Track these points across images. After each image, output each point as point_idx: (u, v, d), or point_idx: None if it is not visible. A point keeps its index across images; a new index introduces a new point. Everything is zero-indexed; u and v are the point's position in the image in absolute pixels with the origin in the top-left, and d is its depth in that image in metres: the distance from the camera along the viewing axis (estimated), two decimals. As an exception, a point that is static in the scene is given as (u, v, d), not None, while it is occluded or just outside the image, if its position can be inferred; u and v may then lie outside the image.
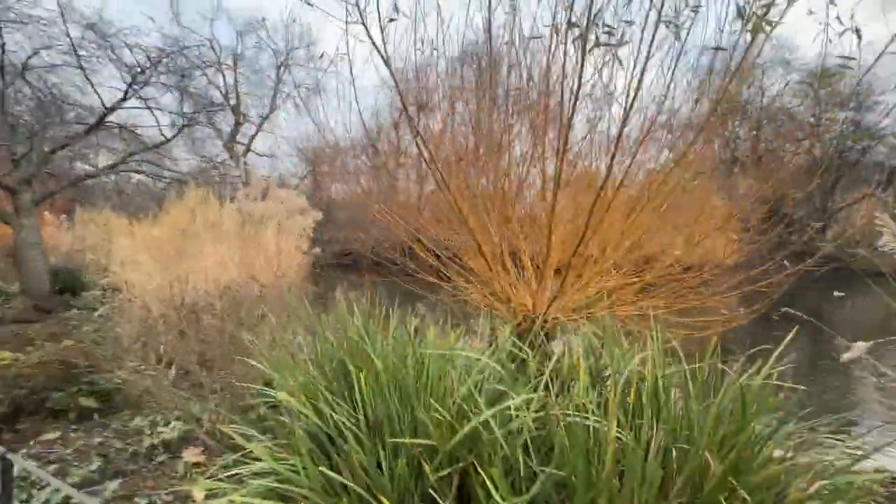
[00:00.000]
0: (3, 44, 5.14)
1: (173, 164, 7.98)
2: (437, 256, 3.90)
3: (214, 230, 4.46)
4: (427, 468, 1.42)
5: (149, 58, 5.65)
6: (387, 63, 2.80)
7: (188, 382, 3.42)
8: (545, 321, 2.98)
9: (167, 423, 2.94)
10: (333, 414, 1.63)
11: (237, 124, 23.05)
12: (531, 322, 3.06)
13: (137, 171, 6.79)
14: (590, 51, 2.32)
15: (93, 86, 5.82)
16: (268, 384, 2.49)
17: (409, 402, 1.66)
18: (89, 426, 2.90)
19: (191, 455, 2.61)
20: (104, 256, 9.07)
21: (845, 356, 1.56)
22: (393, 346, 1.95)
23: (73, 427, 2.86)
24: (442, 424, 1.50)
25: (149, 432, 2.79)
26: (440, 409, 1.50)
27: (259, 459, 1.59)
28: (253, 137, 23.73)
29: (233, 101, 22.26)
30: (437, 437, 1.49)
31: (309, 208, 5.18)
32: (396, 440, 1.53)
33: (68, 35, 5.38)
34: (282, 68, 22.83)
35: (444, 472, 1.44)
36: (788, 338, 1.62)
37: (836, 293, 2.26)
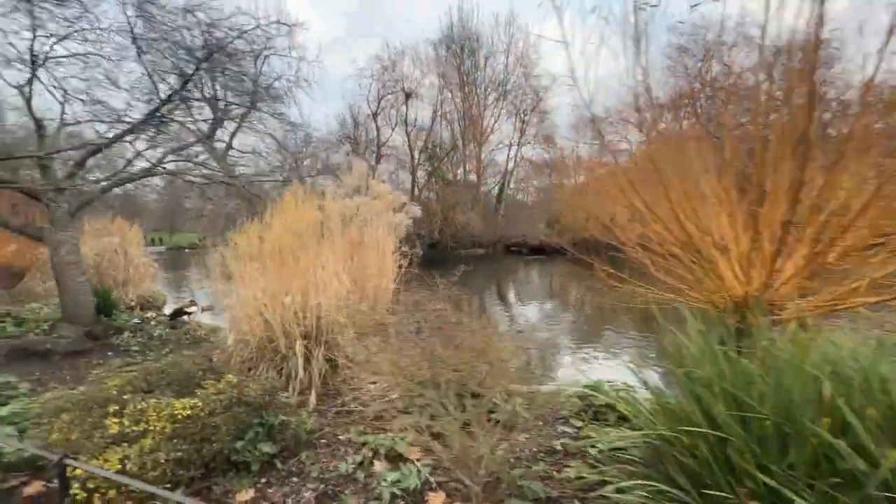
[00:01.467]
0: (37, 27, 4.32)
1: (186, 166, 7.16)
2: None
3: (324, 233, 3.93)
4: None
5: (207, 45, 4.93)
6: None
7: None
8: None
9: (369, 463, 2.49)
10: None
11: (216, 120, 21.72)
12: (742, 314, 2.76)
13: (172, 174, 6.03)
14: None
15: (150, 76, 5.05)
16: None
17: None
18: (280, 477, 2.40)
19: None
20: (122, 271, 8.20)
21: None
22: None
23: (263, 480, 2.36)
24: None
25: (366, 477, 2.34)
26: None
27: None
28: (234, 133, 22.42)
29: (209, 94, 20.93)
30: None
31: (408, 203, 4.70)
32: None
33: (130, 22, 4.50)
34: (260, 59, 21.59)
35: None
36: None
37: None
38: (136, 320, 6.60)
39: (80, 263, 5.15)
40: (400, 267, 4.53)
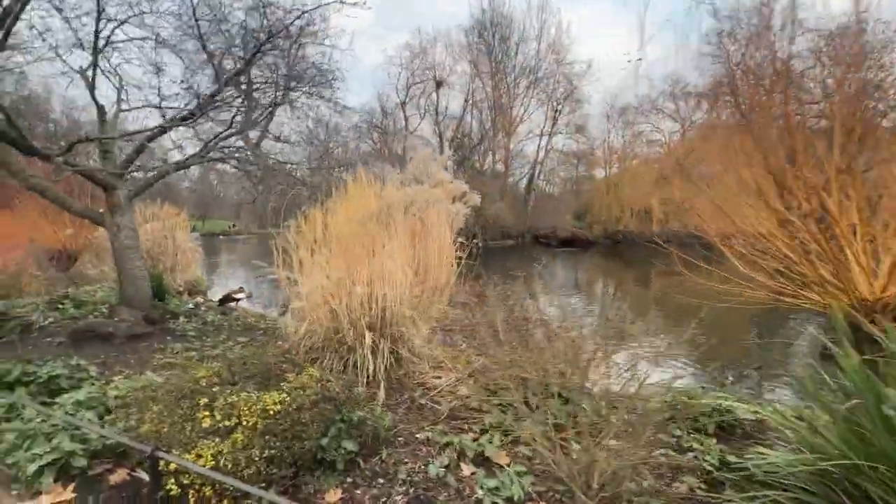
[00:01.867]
0: (102, 9, 4.30)
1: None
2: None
3: (387, 221, 3.78)
4: None
5: (267, 26, 4.84)
6: None
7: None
8: None
9: (455, 466, 2.34)
10: None
11: (249, 108, 22.01)
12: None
13: (224, 160, 6.01)
14: None
15: (211, 57, 5.00)
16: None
17: None
18: (365, 477, 2.28)
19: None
20: (170, 256, 8.35)
21: None
22: None
23: (349, 479, 2.25)
24: None
25: (458, 482, 2.19)
26: None
27: None
28: (268, 122, 22.69)
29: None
30: None
31: (469, 191, 4.51)
32: None
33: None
34: (294, 47, 21.67)
35: None
36: None
37: None
38: (189, 305, 6.69)
39: (138, 248, 5.19)
40: (459, 259, 4.35)
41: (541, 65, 33.19)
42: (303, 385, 2.27)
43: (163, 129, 4.96)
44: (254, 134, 6.71)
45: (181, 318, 5.43)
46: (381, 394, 3.24)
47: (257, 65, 6.22)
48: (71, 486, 2.27)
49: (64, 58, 4.88)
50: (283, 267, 3.86)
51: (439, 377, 3.73)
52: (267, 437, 1.97)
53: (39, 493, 2.21)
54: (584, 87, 31.69)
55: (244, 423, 1.96)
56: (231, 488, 1.87)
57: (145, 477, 2.34)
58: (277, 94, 5.67)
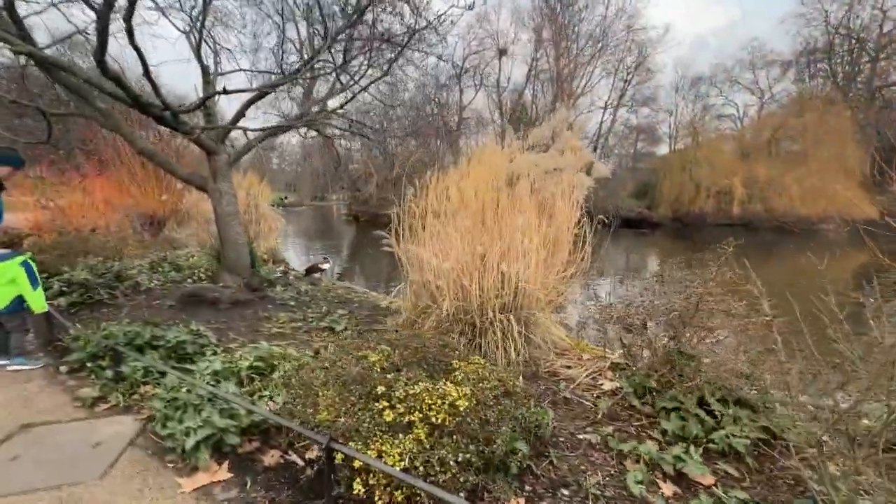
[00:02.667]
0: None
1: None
2: None
3: (515, 192, 3.37)
4: None
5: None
6: None
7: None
8: None
9: (649, 482, 1.97)
10: None
11: (312, 79, 22.13)
12: None
13: (311, 125, 5.80)
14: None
15: (321, 8, 4.74)
16: None
17: None
18: (544, 485, 1.97)
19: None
20: (254, 225, 8.46)
21: None
22: None
23: (528, 487, 1.95)
24: None
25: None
26: None
27: None
28: (329, 94, 22.79)
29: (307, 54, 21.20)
30: None
31: (596, 162, 4.01)
32: None
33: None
34: (355, 15, 21.34)
35: None
36: None
37: None
38: (277, 273, 6.72)
39: (238, 214, 5.14)
40: (584, 237, 3.89)
41: (608, 31, 30.85)
42: (479, 376, 1.96)
43: (262, 94, 4.79)
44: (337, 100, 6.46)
45: (278, 287, 5.39)
46: (521, 383, 2.92)
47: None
48: (226, 465, 2.13)
49: (170, 18, 4.76)
50: (400, 239, 3.58)
51: (569, 367, 3.37)
52: (455, 436, 1.68)
53: (196, 468, 2.09)
54: (658, 54, 29.16)
55: (433, 419, 1.67)
56: (423, 494, 1.60)
57: (298, 461, 2.16)
58: (386, 53, 5.32)
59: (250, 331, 3.99)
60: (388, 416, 1.69)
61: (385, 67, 5.52)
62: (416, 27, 5.31)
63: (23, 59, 4.56)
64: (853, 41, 32.96)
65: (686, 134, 31.41)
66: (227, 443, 2.18)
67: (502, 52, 27.56)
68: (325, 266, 6.84)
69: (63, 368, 3.14)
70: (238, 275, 5.13)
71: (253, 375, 2.83)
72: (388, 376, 1.86)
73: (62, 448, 2.26)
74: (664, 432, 2.32)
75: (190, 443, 2.08)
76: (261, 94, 4.89)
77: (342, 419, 1.72)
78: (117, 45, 3.70)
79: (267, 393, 2.59)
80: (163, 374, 2.73)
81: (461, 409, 1.70)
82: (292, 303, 4.91)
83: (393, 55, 5.29)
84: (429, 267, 3.28)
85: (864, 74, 32.92)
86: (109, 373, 2.86)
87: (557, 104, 30.92)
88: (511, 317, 3.13)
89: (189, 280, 5.91)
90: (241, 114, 5.03)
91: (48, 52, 4.15)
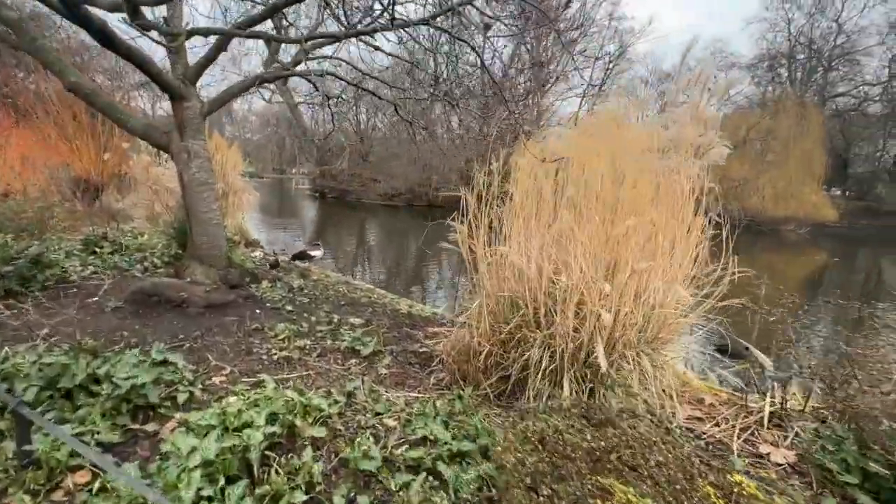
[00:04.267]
0: None
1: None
2: None
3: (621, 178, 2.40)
4: None
5: None
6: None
7: None
8: None
9: None
10: None
11: (268, 46, 20.11)
12: None
13: (321, 74, 4.52)
14: None
15: None
16: None
17: None
18: None
19: None
20: (221, 198, 6.97)
21: None
22: None
23: None
24: None
25: None
26: None
27: None
28: (302, 57, 20.74)
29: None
30: None
31: (715, 143, 3.09)
32: None
33: None
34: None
35: None
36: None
37: None
38: (255, 261, 5.42)
39: (212, 185, 3.83)
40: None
41: (588, 16, 30.12)
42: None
43: (254, 21, 3.45)
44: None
45: (263, 283, 4.15)
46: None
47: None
48: None
49: None
50: (471, 237, 2.52)
51: (699, 417, 2.50)
52: None
53: None
54: (640, 44, 28.84)
55: None
56: None
57: None
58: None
59: (240, 354, 2.81)
60: None
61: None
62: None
63: None
64: (811, 50, 34.41)
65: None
66: None
67: (487, 27, 26.14)
68: (317, 253, 5.61)
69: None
70: (210, 265, 3.85)
71: (268, 454, 1.72)
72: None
73: None
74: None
75: None
76: (253, 20, 3.55)
77: None
78: None
79: None
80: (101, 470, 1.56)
81: None
82: (288, 306, 3.72)
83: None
84: (521, 277, 2.26)
85: (817, 83, 34.61)
86: (9, 453, 1.65)
87: (533, 88, 30.13)
88: (642, 352, 2.19)
89: (139, 268, 4.52)
90: (218, 49, 3.68)
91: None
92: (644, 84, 35.34)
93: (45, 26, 9.80)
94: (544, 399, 2.16)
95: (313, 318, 3.50)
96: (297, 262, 5.63)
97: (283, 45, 5.60)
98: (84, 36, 12.14)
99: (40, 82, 8.25)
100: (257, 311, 3.56)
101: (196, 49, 5.67)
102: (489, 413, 2.32)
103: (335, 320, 3.46)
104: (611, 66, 29.01)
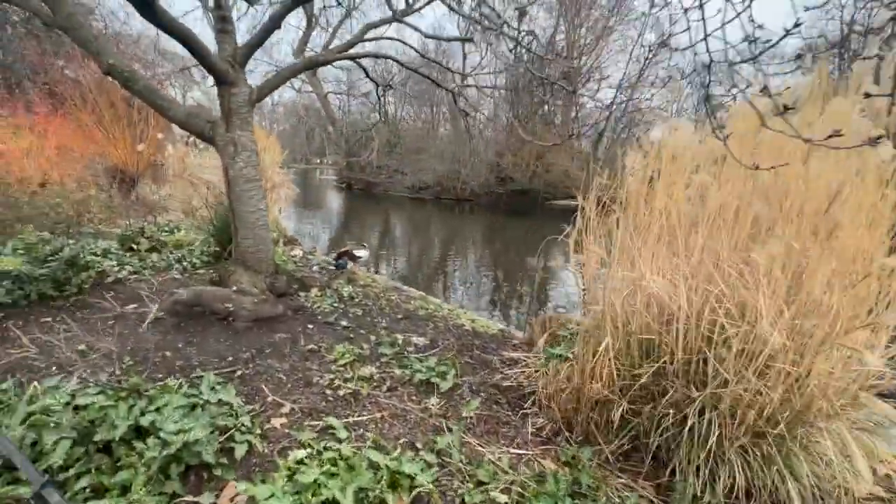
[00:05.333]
0: None
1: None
2: None
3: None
4: None
5: None
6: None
7: None
8: None
9: None
10: None
11: (308, 27, 19.67)
12: None
13: (375, 56, 4.06)
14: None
15: None
16: None
17: None
18: None
19: None
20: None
21: None
22: None
23: None
24: None
25: None
26: None
27: None
28: (328, 45, 20.21)
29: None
30: None
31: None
32: None
33: None
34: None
35: None
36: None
37: None
38: (297, 262, 5.04)
39: (260, 181, 3.42)
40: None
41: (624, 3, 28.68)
42: None
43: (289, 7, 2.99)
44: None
45: (313, 291, 3.74)
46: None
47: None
48: None
49: None
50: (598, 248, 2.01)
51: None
52: None
53: None
54: (682, 33, 27.30)
55: None
56: None
57: None
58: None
59: (298, 384, 2.39)
60: None
61: None
62: None
63: None
64: (863, 37, 32.09)
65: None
66: None
67: (522, 14, 25.18)
68: (362, 253, 5.18)
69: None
70: (257, 271, 3.46)
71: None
72: None
73: None
74: None
75: None
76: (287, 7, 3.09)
77: None
78: None
79: None
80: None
81: None
82: (342, 321, 3.29)
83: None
84: (661, 313, 1.74)
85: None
86: (31, 544, 1.25)
87: (570, 78, 28.98)
88: (840, 421, 1.65)
89: (178, 268, 4.19)
90: (269, 30, 3.24)
91: None
92: (680, 75, 33.61)
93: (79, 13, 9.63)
94: (701, 478, 1.64)
95: (373, 338, 3.05)
96: (348, 263, 5.21)
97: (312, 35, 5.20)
98: (117, 25, 11.94)
99: (78, 69, 8.08)
100: (309, 326, 3.15)
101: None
102: (613, 483, 1.83)
103: (399, 341, 3.01)
104: (650, 55, 27.61)
